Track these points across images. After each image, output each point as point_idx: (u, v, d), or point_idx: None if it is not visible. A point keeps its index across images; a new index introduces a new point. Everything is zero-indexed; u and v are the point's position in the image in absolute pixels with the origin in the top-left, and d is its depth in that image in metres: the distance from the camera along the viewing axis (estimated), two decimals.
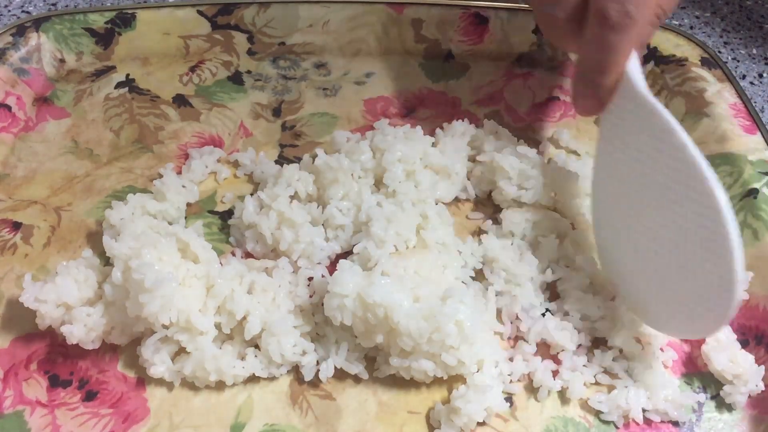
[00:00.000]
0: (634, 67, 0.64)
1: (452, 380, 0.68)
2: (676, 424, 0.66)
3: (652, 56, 0.96)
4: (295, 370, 0.68)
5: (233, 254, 0.77)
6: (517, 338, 0.71)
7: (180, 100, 0.92)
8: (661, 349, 0.71)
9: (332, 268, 0.74)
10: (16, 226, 0.78)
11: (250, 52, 0.98)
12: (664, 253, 0.60)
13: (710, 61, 0.93)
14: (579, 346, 0.70)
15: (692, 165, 0.55)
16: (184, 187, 0.80)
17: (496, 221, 0.80)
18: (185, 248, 0.71)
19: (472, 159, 0.85)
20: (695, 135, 0.88)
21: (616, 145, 0.66)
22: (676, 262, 0.60)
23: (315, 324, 0.70)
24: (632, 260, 0.66)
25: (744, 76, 1.03)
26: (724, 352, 0.69)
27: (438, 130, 0.86)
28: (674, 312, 0.63)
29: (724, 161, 0.84)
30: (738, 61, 1.06)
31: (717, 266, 0.55)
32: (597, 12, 0.63)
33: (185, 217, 0.80)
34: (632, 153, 0.62)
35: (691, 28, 1.11)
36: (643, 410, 0.66)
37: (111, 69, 0.95)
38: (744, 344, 0.71)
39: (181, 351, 0.68)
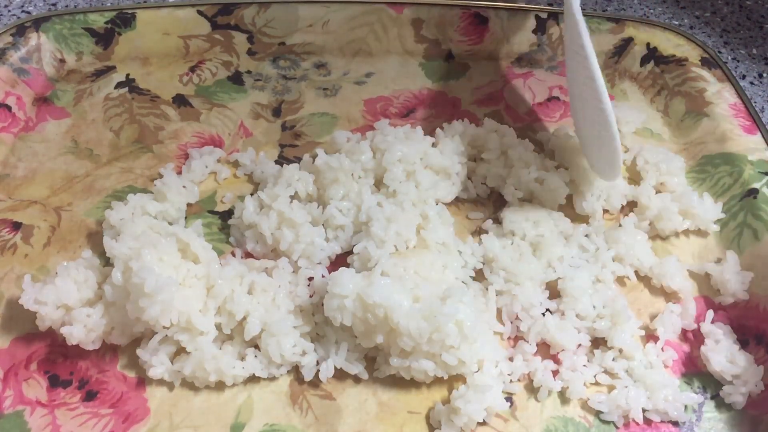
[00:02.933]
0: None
1: (452, 380, 0.68)
2: (676, 424, 0.66)
3: (652, 56, 0.96)
4: (295, 370, 0.68)
5: (233, 254, 0.77)
6: (517, 338, 0.71)
7: (180, 100, 0.92)
8: (662, 349, 0.71)
9: (332, 268, 0.74)
10: (16, 226, 0.78)
11: (250, 52, 0.98)
12: (591, 124, 0.77)
13: (710, 61, 0.93)
14: (579, 346, 0.70)
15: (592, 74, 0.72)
16: (184, 187, 0.80)
17: (497, 221, 0.80)
18: (185, 248, 0.71)
19: (472, 159, 0.85)
20: (695, 135, 0.88)
21: (568, 46, 0.80)
22: (596, 132, 0.77)
23: (315, 324, 0.70)
24: (582, 128, 0.82)
25: (744, 76, 1.03)
26: (723, 353, 0.69)
27: (438, 130, 0.86)
28: (602, 162, 0.79)
29: (724, 161, 0.84)
30: (738, 61, 1.06)
31: (608, 136, 0.74)
32: None
33: (185, 218, 0.80)
34: (573, 55, 0.77)
35: (691, 28, 1.11)
36: (643, 410, 0.66)
37: (111, 69, 0.95)
38: (744, 344, 0.71)
39: (180, 351, 0.68)
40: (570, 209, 0.81)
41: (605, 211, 0.82)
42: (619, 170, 0.77)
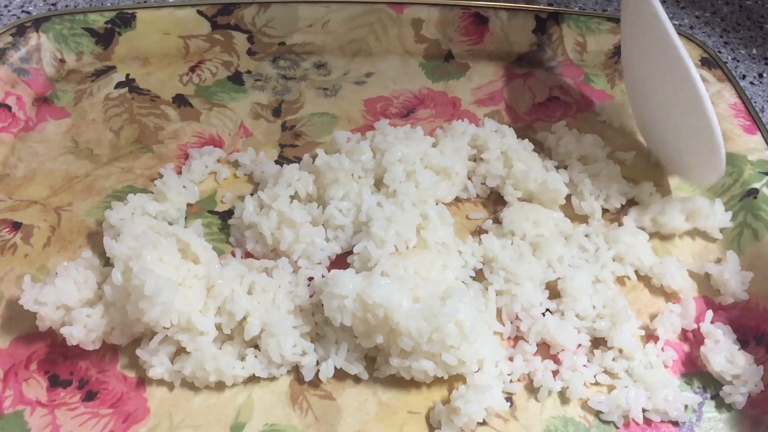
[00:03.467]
0: None
1: (452, 380, 0.68)
2: (676, 424, 0.66)
3: None
4: (295, 370, 0.68)
5: (233, 254, 0.77)
6: (517, 338, 0.71)
7: (180, 100, 0.92)
8: (662, 349, 0.71)
9: (332, 268, 0.74)
10: (16, 226, 0.78)
11: (250, 52, 0.98)
12: (672, 115, 0.74)
13: (710, 61, 0.93)
14: (579, 346, 0.70)
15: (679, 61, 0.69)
16: (184, 187, 0.80)
17: (497, 221, 0.80)
18: (185, 249, 0.71)
19: (472, 159, 0.85)
20: None
21: (633, 30, 0.77)
22: (680, 122, 0.72)
23: (315, 324, 0.70)
24: (654, 120, 0.79)
25: (744, 76, 1.03)
26: (722, 353, 0.69)
27: (438, 130, 0.86)
28: (686, 160, 0.76)
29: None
30: (738, 61, 1.06)
31: (703, 128, 0.69)
32: None
33: (185, 218, 0.80)
34: (644, 40, 0.74)
35: (691, 28, 1.11)
36: (643, 410, 0.66)
37: (111, 69, 0.95)
38: (744, 344, 0.71)
39: (180, 351, 0.68)
40: (570, 209, 0.81)
41: (605, 210, 0.82)
42: (722, 166, 0.70)
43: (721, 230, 0.80)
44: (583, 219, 0.81)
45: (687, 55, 0.68)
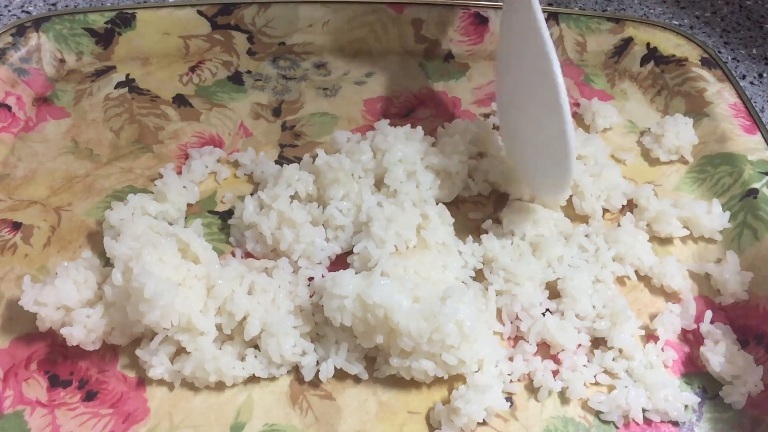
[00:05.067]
0: None
1: (452, 380, 0.68)
2: (676, 424, 0.66)
3: (652, 56, 0.96)
4: (295, 370, 0.68)
5: (233, 254, 0.77)
6: (517, 338, 0.71)
7: (180, 100, 0.92)
8: (662, 349, 0.71)
9: (332, 268, 0.74)
10: (16, 226, 0.78)
11: (250, 52, 0.98)
12: (534, 131, 0.72)
13: (710, 61, 0.93)
14: (579, 346, 0.70)
15: (545, 58, 0.65)
16: (184, 187, 0.80)
17: (496, 221, 0.80)
18: (185, 249, 0.71)
19: (473, 157, 0.85)
20: (695, 135, 0.88)
21: (508, 39, 0.76)
22: (540, 138, 0.71)
23: (315, 324, 0.70)
24: (518, 136, 0.78)
25: (744, 76, 1.03)
26: (722, 353, 0.69)
27: (438, 130, 0.86)
28: (542, 175, 0.75)
29: (724, 161, 0.84)
30: (738, 61, 1.06)
31: (559, 141, 0.66)
32: None
33: (185, 218, 0.80)
34: (515, 46, 0.73)
35: (691, 28, 1.11)
36: (643, 410, 0.66)
37: (111, 69, 0.95)
38: (744, 344, 0.71)
39: (180, 351, 0.68)
40: (570, 209, 0.81)
41: (605, 210, 0.82)
42: (569, 184, 0.69)
43: (722, 230, 0.80)
44: (583, 219, 0.81)
45: (554, 56, 0.64)
